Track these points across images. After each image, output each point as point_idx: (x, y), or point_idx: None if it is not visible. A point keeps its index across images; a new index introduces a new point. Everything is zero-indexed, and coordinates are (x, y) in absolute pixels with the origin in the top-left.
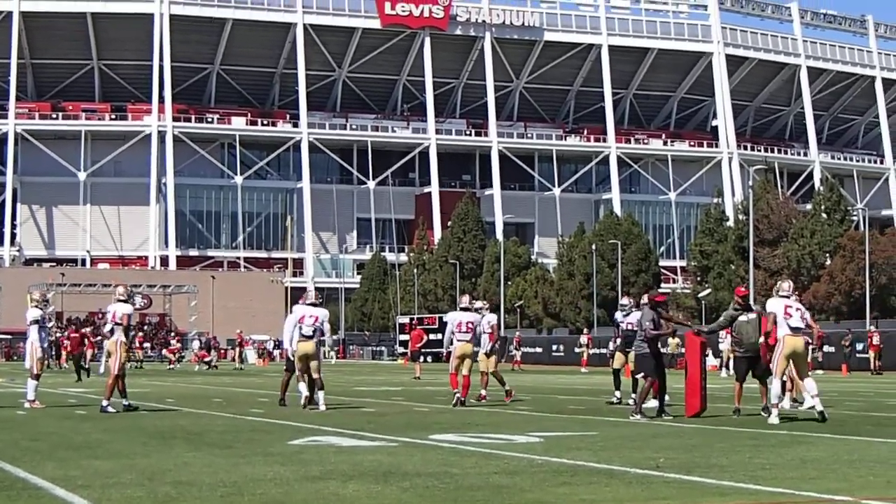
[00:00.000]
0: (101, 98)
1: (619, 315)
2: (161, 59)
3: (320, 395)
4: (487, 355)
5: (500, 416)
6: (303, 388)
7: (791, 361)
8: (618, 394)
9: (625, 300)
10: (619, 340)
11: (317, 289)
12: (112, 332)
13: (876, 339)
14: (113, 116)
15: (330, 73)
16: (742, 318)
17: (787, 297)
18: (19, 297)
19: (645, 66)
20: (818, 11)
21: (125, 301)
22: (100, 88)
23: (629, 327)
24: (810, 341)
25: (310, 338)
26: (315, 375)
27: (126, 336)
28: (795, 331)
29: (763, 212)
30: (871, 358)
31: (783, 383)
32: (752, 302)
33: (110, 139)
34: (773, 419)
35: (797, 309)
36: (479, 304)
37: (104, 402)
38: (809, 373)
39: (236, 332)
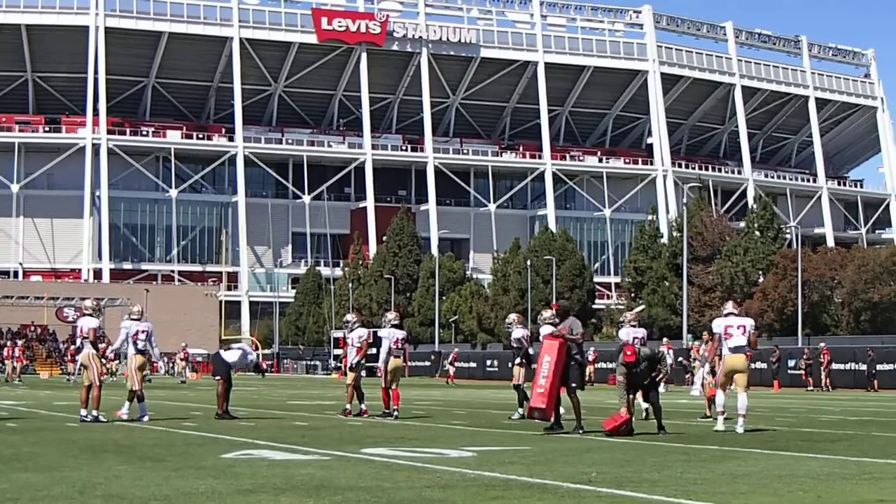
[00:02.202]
0: (34, 110)
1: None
2: (96, 72)
3: (141, 405)
4: (352, 369)
5: (433, 430)
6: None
7: (732, 377)
8: (521, 410)
9: (511, 317)
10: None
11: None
12: (83, 346)
13: (806, 356)
14: (47, 129)
15: (266, 87)
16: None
17: (734, 314)
18: None
19: (581, 83)
20: (753, 31)
21: (91, 315)
22: (34, 100)
23: (514, 343)
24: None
25: (143, 352)
26: (137, 387)
27: (95, 348)
28: (735, 350)
29: (697, 229)
30: (822, 375)
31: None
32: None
33: (44, 151)
34: (720, 427)
35: (738, 327)
36: (349, 316)
37: (95, 413)
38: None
39: (181, 347)
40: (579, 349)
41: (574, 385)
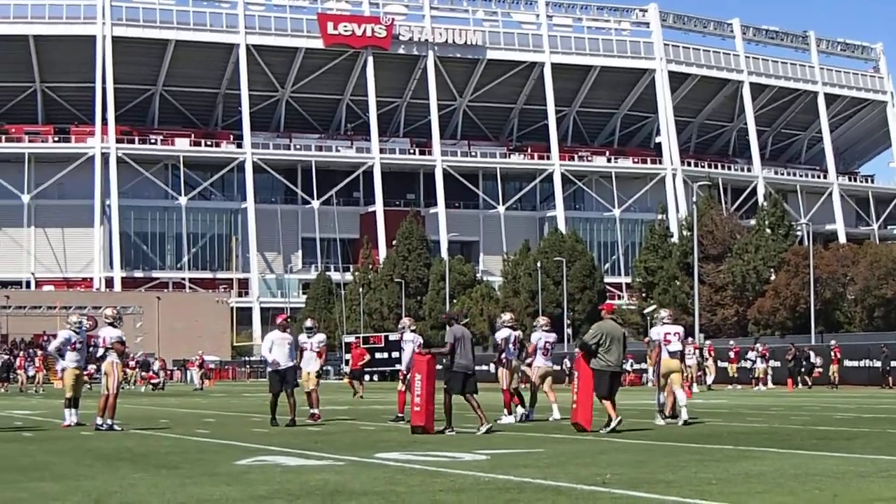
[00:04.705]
0: (44, 120)
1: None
2: (104, 81)
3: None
4: (318, 375)
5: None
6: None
7: (668, 378)
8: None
9: (504, 316)
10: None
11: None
12: (105, 356)
13: (813, 355)
14: (56, 139)
15: (273, 93)
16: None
17: (668, 322)
18: None
19: (588, 83)
20: (760, 27)
21: (112, 324)
22: (43, 111)
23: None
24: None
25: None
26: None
27: (119, 357)
28: (672, 354)
29: (707, 227)
30: (832, 372)
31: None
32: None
33: (54, 161)
34: (659, 421)
35: (675, 333)
36: (308, 322)
37: (110, 421)
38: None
39: (198, 354)
40: (451, 358)
41: (452, 390)
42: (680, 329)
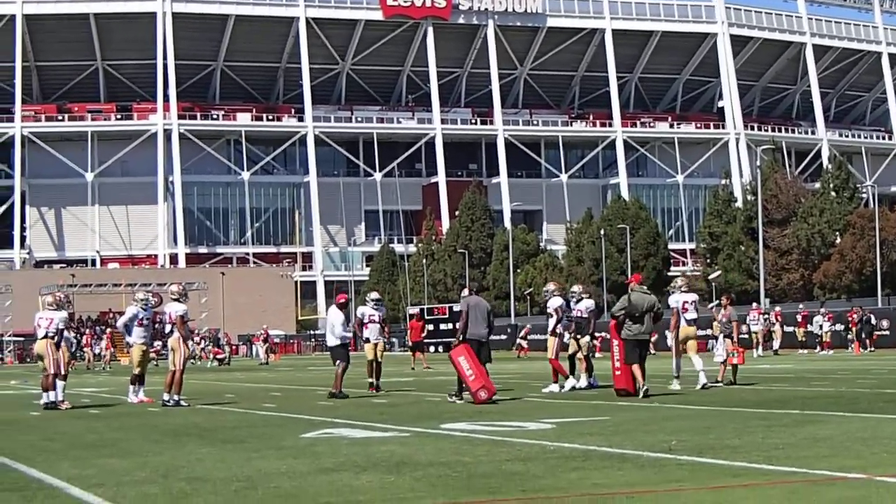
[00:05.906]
0: (106, 98)
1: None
2: (165, 58)
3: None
4: (376, 344)
5: (511, 403)
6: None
7: (686, 343)
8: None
9: (576, 288)
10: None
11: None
12: (172, 331)
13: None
14: (118, 116)
15: (333, 66)
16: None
17: (686, 291)
18: (30, 299)
19: (649, 49)
20: None
21: (178, 300)
22: (104, 89)
23: (579, 314)
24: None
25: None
26: (52, 371)
27: (185, 338)
28: (690, 322)
29: (772, 192)
30: None
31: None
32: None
33: (116, 139)
34: (675, 386)
35: (692, 302)
36: (375, 295)
37: (177, 397)
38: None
39: (263, 328)
40: (465, 327)
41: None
42: (696, 297)
